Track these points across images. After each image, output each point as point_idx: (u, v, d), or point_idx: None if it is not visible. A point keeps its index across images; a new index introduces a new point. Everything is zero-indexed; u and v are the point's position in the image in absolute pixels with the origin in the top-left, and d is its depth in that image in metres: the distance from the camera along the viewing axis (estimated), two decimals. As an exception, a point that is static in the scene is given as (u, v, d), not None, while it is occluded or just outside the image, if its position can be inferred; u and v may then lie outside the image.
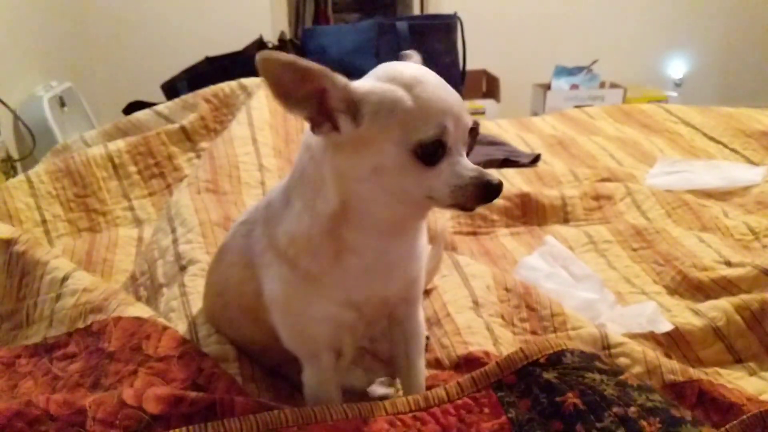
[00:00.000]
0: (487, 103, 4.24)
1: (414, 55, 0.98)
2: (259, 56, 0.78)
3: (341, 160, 0.85)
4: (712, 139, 2.33)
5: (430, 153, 0.82)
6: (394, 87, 0.83)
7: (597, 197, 1.89)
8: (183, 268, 1.34)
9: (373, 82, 0.85)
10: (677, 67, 4.83)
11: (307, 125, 0.86)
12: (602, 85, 4.47)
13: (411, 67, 0.87)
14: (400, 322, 1.05)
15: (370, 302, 0.96)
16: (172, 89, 3.11)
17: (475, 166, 0.85)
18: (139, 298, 1.34)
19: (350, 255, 0.91)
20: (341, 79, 0.82)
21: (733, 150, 2.22)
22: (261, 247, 0.97)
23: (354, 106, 0.82)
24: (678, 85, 4.81)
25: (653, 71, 4.84)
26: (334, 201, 0.87)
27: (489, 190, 0.83)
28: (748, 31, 4.74)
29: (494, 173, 0.88)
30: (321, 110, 0.82)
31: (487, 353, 1.14)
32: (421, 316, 1.07)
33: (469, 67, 3.49)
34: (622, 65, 4.59)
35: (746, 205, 1.81)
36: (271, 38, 3.65)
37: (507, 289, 1.33)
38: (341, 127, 0.83)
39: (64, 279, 1.25)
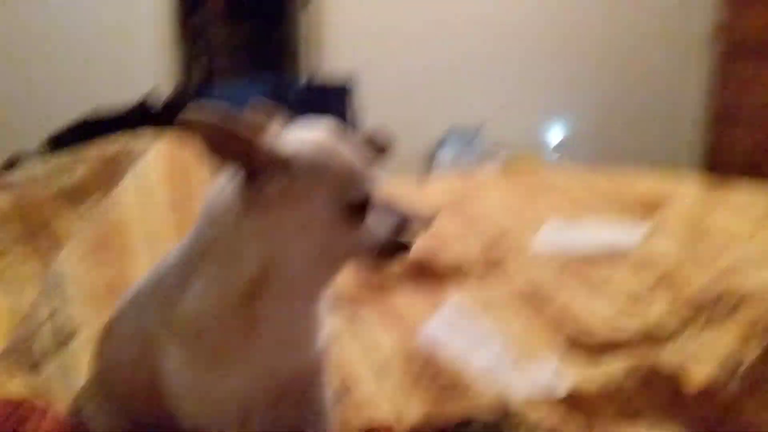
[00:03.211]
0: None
1: (315, 122, 0.98)
2: (187, 116, 0.77)
3: (267, 221, 0.84)
4: (594, 201, 2.44)
5: (360, 211, 0.85)
6: (320, 146, 0.85)
7: (491, 258, 1.93)
8: (65, 340, 1.24)
9: (299, 142, 0.85)
10: (557, 132, 5.09)
11: (206, 198, 0.85)
12: (488, 147, 4.63)
13: (328, 129, 0.89)
14: (308, 398, 1.01)
15: (279, 377, 0.94)
16: (53, 146, 2.94)
17: (393, 222, 0.87)
18: (15, 374, 1.23)
19: (261, 326, 0.88)
20: (269, 139, 0.82)
21: (614, 212, 2.33)
22: (156, 328, 0.92)
23: (282, 166, 0.82)
24: (558, 149, 5.06)
25: (535, 136, 5.07)
26: (253, 266, 0.85)
27: (407, 246, 0.88)
28: (621, 101, 5.10)
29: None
30: (251, 169, 0.82)
31: (389, 428, 1.12)
32: (329, 392, 1.04)
33: (361, 128, 3.54)
34: (506, 129, 4.79)
35: (629, 266, 1.89)
36: (161, 95, 3.56)
37: (409, 356, 1.32)
38: (270, 187, 0.82)
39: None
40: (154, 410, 0.99)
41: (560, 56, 4.97)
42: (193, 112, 0.77)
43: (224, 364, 0.89)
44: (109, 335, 1.04)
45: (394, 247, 0.87)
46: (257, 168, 0.82)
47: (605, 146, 5.08)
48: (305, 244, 0.84)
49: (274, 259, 0.85)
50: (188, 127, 0.77)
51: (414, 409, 1.19)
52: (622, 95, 5.10)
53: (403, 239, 0.87)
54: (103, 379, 1.07)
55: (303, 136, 0.87)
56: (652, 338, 1.43)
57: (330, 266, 0.89)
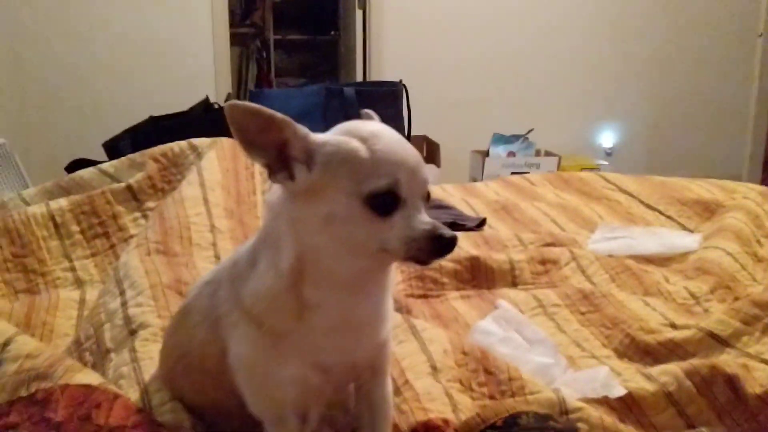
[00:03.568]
0: (427, 168, 4.30)
1: (374, 115, 1.00)
2: (228, 104, 0.81)
3: (296, 210, 0.87)
4: (648, 206, 2.41)
5: (382, 204, 0.83)
6: (348, 138, 0.85)
7: (543, 261, 1.92)
8: (133, 333, 1.29)
9: (331, 134, 0.88)
10: (607, 138, 5.04)
11: (265, 186, 0.88)
12: (537, 153, 4.62)
13: (370, 124, 0.90)
14: (366, 393, 1.03)
15: (338, 365, 0.95)
16: (114, 148, 3.06)
17: (431, 220, 0.86)
18: (84, 364, 1.28)
19: (314, 313, 0.89)
20: (302, 129, 0.85)
21: (668, 217, 2.31)
22: (227, 308, 0.95)
23: (310, 156, 0.84)
24: (609, 154, 5.01)
25: (585, 141, 5.04)
26: (291, 254, 0.87)
27: (443, 243, 0.84)
28: (672, 107, 5.02)
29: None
30: (280, 158, 0.85)
31: (446, 421, 1.13)
32: (389, 389, 1.05)
33: (411, 132, 3.57)
34: (556, 134, 4.77)
35: (685, 271, 1.87)
36: (216, 99, 3.65)
37: (464, 353, 1.33)
38: (296, 176, 0.85)
39: (5, 344, 1.19)
40: (222, 399, 1.02)
41: (612, 60, 4.92)
42: (234, 101, 0.82)
43: (282, 348, 0.91)
44: (180, 319, 1.07)
45: (437, 243, 0.84)
46: (291, 156, 0.85)
47: (657, 153, 5.01)
48: (329, 235, 0.85)
49: (306, 249, 0.87)
50: (231, 112, 0.81)
51: (469, 404, 1.20)
52: (676, 100, 5.02)
53: (447, 235, 0.84)
54: (172, 367, 1.10)
55: (338, 130, 0.88)
56: (710, 340, 1.41)
57: (360, 258, 0.87)
